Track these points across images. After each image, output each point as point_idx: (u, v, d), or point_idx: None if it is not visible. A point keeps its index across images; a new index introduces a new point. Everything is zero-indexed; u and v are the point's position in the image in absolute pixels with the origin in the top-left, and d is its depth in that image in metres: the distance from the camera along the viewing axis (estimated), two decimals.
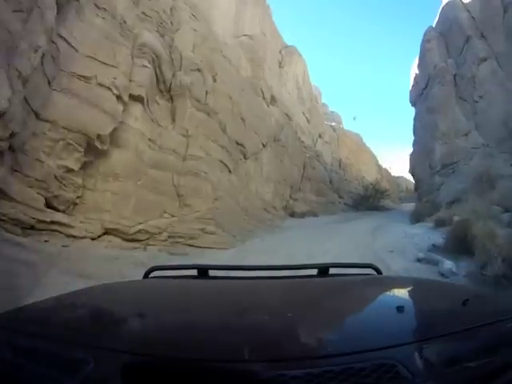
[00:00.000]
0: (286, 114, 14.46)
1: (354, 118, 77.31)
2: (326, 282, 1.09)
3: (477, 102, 11.72)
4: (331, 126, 25.14)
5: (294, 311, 0.79)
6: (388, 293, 0.94)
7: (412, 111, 16.45)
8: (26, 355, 0.52)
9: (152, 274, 1.11)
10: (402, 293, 0.94)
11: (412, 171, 15.69)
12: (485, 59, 11.55)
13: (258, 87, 12.00)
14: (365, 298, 0.91)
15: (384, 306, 0.82)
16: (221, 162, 8.33)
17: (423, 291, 0.96)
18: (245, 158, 10.21)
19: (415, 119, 15.95)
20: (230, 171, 8.82)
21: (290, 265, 1.21)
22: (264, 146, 11.62)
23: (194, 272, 1.13)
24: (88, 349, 0.53)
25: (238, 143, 9.64)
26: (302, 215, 13.24)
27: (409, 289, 1.01)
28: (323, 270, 1.14)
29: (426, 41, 15.10)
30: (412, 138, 16.01)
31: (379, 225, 10.06)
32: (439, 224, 7.81)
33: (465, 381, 0.48)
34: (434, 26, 15.41)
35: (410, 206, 16.58)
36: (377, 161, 34.70)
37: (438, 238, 6.13)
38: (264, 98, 12.42)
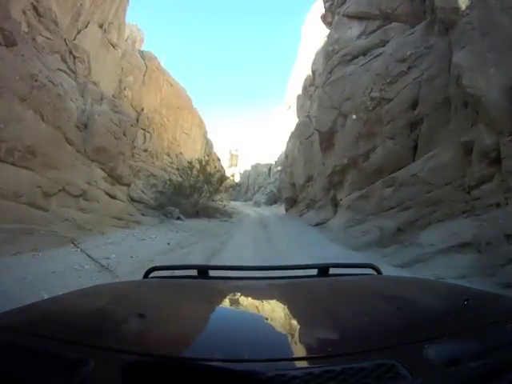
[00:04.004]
0: None
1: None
2: (326, 281, 1.10)
3: None
4: (141, 51, 15.83)
5: (294, 311, 0.79)
6: (388, 293, 0.94)
7: None
8: (25, 355, 0.52)
9: (152, 274, 1.12)
10: (401, 293, 0.93)
11: None
12: None
13: None
14: (365, 298, 0.91)
15: (384, 305, 0.82)
16: None
17: (423, 291, 0.96)
18: None
19: None
20: None
21: (290, 265, 1.21)
22: None
23: (194, 272, 1.13)
24: (88, 349, 0.53)
25: None
26: None
27: (409, 289, 1.00)
28: (323, 269, 1.14)
29: None
30: None
31: None
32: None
33: (465, 381, 0.48)
34: None
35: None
36: (206, 133, 22.73)
37: None
38: None
